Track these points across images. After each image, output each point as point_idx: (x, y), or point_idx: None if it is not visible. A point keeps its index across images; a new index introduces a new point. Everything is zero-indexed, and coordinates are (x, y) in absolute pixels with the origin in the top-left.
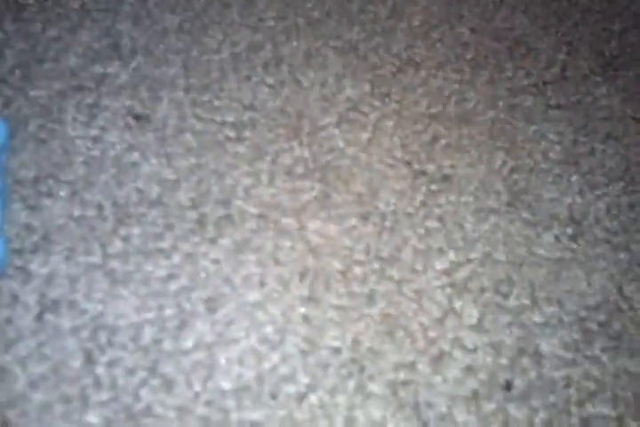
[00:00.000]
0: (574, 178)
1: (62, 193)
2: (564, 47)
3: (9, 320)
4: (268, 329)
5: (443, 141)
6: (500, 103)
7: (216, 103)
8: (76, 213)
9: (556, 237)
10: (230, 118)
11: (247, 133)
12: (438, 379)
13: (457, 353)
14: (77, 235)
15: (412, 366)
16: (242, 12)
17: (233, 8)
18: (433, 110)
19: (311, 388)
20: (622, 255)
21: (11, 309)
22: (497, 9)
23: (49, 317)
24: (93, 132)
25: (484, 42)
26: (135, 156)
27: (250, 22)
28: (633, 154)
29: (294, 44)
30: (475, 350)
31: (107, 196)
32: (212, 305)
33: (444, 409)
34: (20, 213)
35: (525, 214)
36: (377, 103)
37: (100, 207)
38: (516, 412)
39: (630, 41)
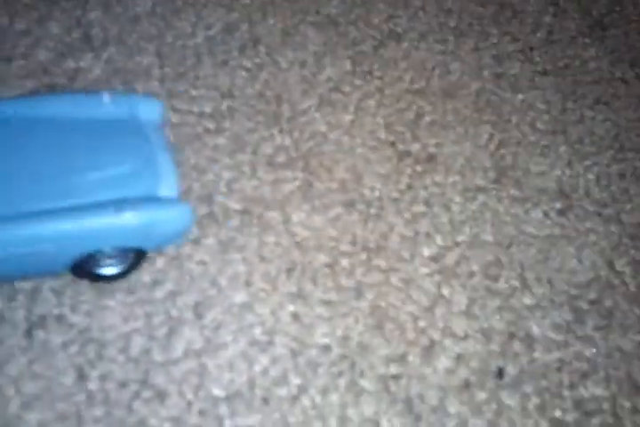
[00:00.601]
0: (563, 148)
1: None
2: (550, 8)
3: None
4: (257, 331)
5: (427, 118)
6: (486, 73)
7: (193, 93)
8: None
9: (545, 213)
10: (208, 109)
11: (226, 124)
12: (429, 370)
13: (447, 342)
14: None
15: (402, 359)
16: None
17: None
18: (416, 86)
19: (303, 389)
20: (613, 228)
21: None
22: None
23: (38, 333)
24: None
25: (469, 7)
26: None
27: (224, 1)
28: (623, 119)
29: (271, 22)
30: (465, 337)
31: None
32: (199, 310)
33: (435, 402)
34: None
35: (513, 191)
36: (359, 82)
37: None
38: (508, 399)
39: None
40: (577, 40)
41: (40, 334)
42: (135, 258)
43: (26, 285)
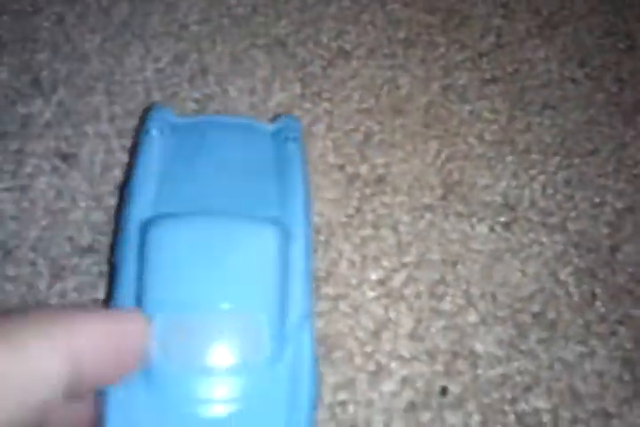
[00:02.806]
0: (509, 159)
1: None
2: (500, 10)
3: None
4: None
5: (376, 138)
6: (434, 85)
7: None
8: (11, 273)
9: (490, 228)
10: None
11: None
12: (376, 395)
13: (393, 365)
14: (15, 295)
15: (350, 385)
16: (163, 20)
17: (154, 16)
18: (365, 104)
19: None
20: (558, 237)
21: None
22: None
23: None
24: (22, 181)
25: (417, 16)
26: (65, 202)
27: (173, 30)
28: (570, 122)
29: (219, 49)
30: (411, 359)
31: (39, 250)
32: None
33: (381, 425)
34: None
35: (460, 207)
36: (308, 105)
37: (33, 264)
38: (452, 417)
39: None
40: (526, 42)
41: None
42: None
43: None
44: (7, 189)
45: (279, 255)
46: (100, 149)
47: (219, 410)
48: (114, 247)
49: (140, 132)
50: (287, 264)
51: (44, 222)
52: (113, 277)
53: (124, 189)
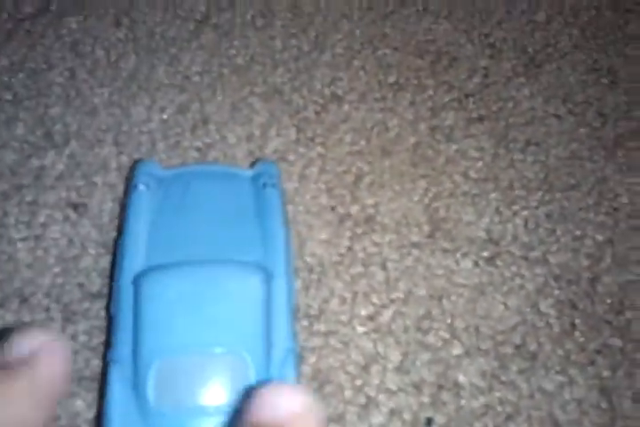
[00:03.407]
0: (493, 195)
1: (12, 301)
2: (487, 50)
3: None
4: None
5: (366, 179)
6: (422, 126)
7: None
8: (27, 318)
9: (474, 262)
10: None
11: None
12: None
13: (382, 397)
14: None
15: (340, 418)
16: (168, 72)
17: (159, 68)
18: (356, 147)
19: None
20: (539, 270)
21: None
22: (420, 19)
23: None
24: (36, 231)
25: (407, 60)
26: (76, 249)
27: (176, 81)
28: (552, 158)
29: (220, 98)
30: (398, 391)
31: (52, 296)
32: None
33: None
34: None
35: (445, 243)
36: (302, 150)
37: (47, 309)
38: None
39: (554, 30)
40: (512, 81)
41: None
42: None
43: None
44: (22, 239)
45: (262, 296)
46: (108, 198)
47: None
48: (110, 298)
49: (128, 187)
50: (270, 303)
51: (56, 270)
52: (110, 327)
53: (117, 242)
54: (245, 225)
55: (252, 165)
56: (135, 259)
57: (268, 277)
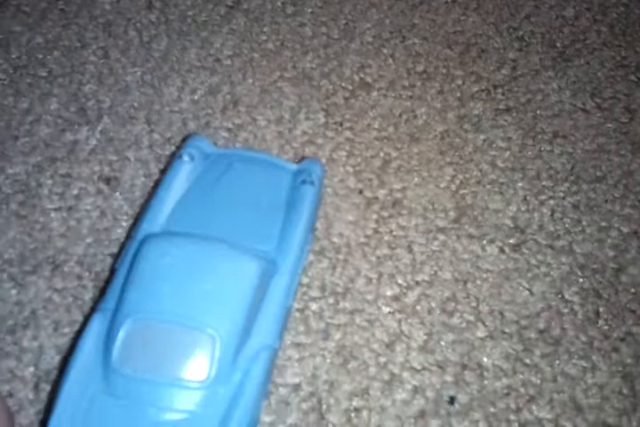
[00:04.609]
0: (520, 184)
1: (45, 268)
2: (515, 44)
3: (10, 394)
4: None
5: (394, 164)
6: (450, 115)
7: None
8: (59, 286)
9: (500, 249)
10: None
11: None
12: (388, 402)
13: (405, 375)
14: (62, 307)
15: (364, 393)
16: (199, 54)
17: (191, 51)
18: (384, 133)
19: (273, 426)
20: (564, 259)
21: (9, 384)
22: (449, 11)
23: (44, 386)
24: (69, 202)
25: (436, 50)
26: (108, 221)
27: (207, 64)
28: (579, 150)
29: (250, 81)
30: (422, 370)
31: (85, 266)
32: None
33: None
34: (11, 291)
35: (471, 229)
36: (330, 134)
37: (79, 278)
38: (459, 425)
39: (583, 26)
40: (540, 74)
41: (46, 387)
42: None
43: (34, 343)
44: (56, 210)
45: (256, 287)
46: (140, 174)
47: (158, 416)
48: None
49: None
50: (264, 296)
51: (89, 240)
52: (110, 280)
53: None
54: (271, 216)
55: (300, 161)
56: (155, 221)
57: (270, 271)
